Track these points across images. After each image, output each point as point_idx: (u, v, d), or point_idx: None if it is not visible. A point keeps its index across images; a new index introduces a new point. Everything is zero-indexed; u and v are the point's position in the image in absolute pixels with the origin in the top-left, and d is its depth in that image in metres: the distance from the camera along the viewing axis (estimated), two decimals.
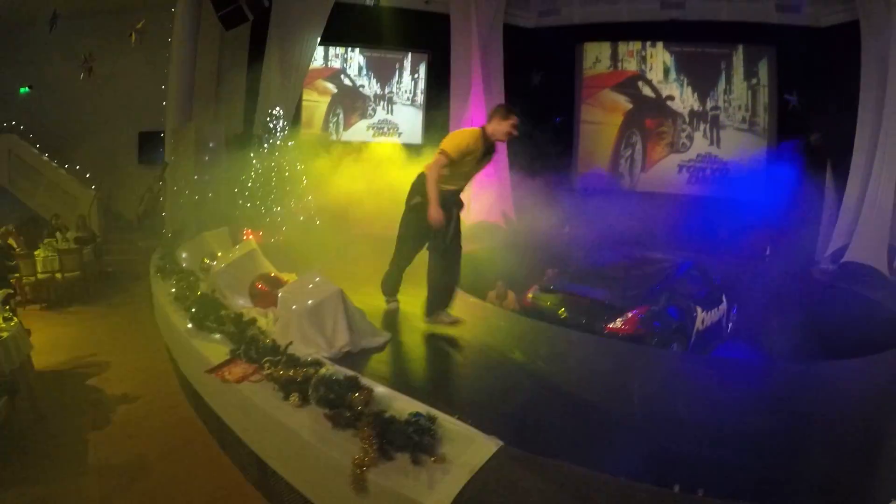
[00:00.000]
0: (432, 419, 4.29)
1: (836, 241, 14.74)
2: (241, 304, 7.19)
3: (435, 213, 6.65)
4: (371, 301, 8.08)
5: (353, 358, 5.97)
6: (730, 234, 16.20)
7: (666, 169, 17.67)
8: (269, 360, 5.16)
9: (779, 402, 6.33)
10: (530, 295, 10.03)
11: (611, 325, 8.82)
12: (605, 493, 3.89)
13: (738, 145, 17.33)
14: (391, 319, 7.56)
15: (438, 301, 7.41)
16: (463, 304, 8.91)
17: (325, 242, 10.31)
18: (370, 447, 4.01)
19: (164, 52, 13.20)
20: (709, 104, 17.40)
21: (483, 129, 6.81)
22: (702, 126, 17.45)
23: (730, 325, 11.30)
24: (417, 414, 4.30)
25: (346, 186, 11.34)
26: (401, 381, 5.58)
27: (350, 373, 4.90)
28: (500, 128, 6.73)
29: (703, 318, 9.81)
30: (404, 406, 4.57)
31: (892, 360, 8.54)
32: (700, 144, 17.48)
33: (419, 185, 6.94)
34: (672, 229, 15.34)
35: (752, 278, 13.05)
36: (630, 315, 8.85)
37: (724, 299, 10.87)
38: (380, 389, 4.79)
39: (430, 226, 6.75)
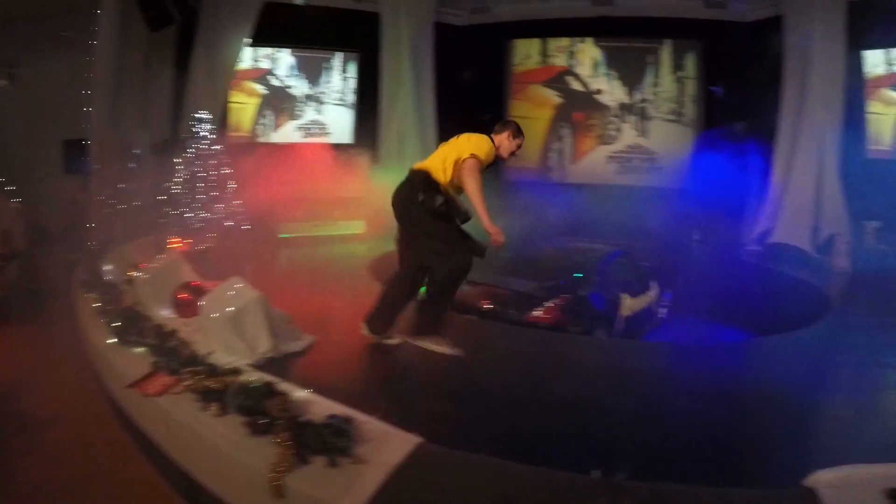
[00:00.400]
0: (348, 420, 4.33)
1: (761, 223, 15.42)
2: (166, 315, 7.14)
3: (493, 227, 6.06)
4: (296, 306, 8.08)
5: (277, 363, 5.98)
6: (660, 222, 16.59)
7: (595, 160, 17.96)
8: (190, 371, 5.14)
9: (703, 382, 6.61)
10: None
11: (531, 315, 8.90)
12: (524, 483, 3.99)
13: (666, 136, 17.76)
14: (316, 322, 7.55)
15: (434, 324, 6.69)
16: None
17: (254, 247, 10.22)
18: (286, 452, 4.05)
19: (88, 57, 12.90)
20: (637, 97, 17.75)
21: (491, 139, 6.36)
22: (630, 118, 17.81)
23: (662, 310, 11.50)
24: (333, 416, 4.34)
25: (275, 189, 11.25)
26: (323, 383, 5.53)
27: (269, 378, 4.91)
28: (508, 144, 6.41)
29: (630, 304, 9.91)
30: (323, 409, 4.60)
31: (817, 333, 9.15)
32: (628, 136, 17.81)
33: (422, 182, 6.22)
34: (603, 219, 15.59)
35: (683, 263, 13.37)
36: (550, 304, 8.95)
37: (654, 286, 11.06)
38: (299, 393, 4.81)
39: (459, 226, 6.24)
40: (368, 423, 4.54)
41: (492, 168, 15.88)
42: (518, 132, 6.47)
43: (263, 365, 5.80)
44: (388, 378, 6.24)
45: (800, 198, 14.45)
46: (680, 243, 15.87)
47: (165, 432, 5.11)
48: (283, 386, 4.81)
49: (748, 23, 16.43)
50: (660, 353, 8.16)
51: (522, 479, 4.02)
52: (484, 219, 6.04)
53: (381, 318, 6.72)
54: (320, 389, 5.22)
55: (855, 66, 14.63)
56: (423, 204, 6.10)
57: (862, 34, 13.92)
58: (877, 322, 9.66)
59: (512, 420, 5.31)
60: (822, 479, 4.13)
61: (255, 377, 4.99)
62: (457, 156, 6.16)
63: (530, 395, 5.92)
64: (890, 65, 14.67)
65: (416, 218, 6.25)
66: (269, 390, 4.57)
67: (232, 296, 6.21)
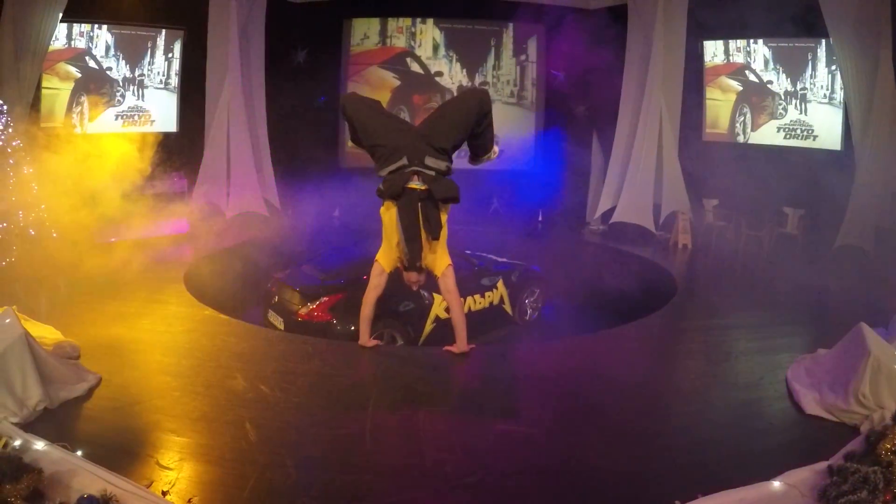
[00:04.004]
0: (106, 501, 3.83)
1: (603, 203, 15.88)
2: None
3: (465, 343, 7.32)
4: (101, 328, 7.53)
5: (52, 417, 5.32)
6: (504, 205, 16.76)
7: None
8: None
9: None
10: (270, 285, 10.04)
11: (301, 312, 8.89)
12: None
13: (507, 118, 17.74)
14: (111, 352, 6.93)
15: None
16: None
17: (62, 258, 9.38)
18: None
19: None
20: (477, 79, 17.65)
21: None
22: None
23: (529, 310, 11.50)
24: (82, 500, 3.80)
25: (88, 188, 10.34)
26: (105, 438, 5.05)
27: (23, 443, 4.28)
28: None
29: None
30: (87, 483, 4.07)
31: (660, 320, 9.48)
32: None
33: None
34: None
35: (536, 253, 13.41)
36: (321, 301, 8.91)
37: (499, 285, 10.89)
38: (64, 463, 4.25)
39: None
40: (139, 497, 4.08)
41: (330, 157, 15.58)
42: None
43: (34, 422, 5.15)
44: (178, 423, 5.56)
45: (641, 178, 14.93)
46: (526, 225, 16.04)
47: None
48: (44, 454, 4.26)
49: (592, 10, 16.64)
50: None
51: None
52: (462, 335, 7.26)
53: None
54: (98, 446, 4.76)
55: (695, 55, 15.30)
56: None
57: (702, 25, 14.41)
58: (718, 301, 10.29)
59: None
60: None
61: (15, 443, 4.34)
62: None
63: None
64: (728, 55, 15.33)
65: None
66: (16, 467, 3.95)
67: None
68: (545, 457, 5.20)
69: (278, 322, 9.31)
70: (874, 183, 11.97)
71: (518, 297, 11.24)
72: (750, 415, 6.03)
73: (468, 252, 11.72)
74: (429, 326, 9.60)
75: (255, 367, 6.86)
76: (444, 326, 9.41)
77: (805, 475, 4.40)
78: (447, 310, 9.33)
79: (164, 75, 14.55)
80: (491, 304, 10.72)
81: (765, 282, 11.27)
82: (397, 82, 17.50)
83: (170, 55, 14.60)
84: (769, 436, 5.59)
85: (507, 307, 11.02)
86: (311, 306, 8.90)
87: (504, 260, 11.77)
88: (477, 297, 10.46)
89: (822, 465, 4.42)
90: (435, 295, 9.59)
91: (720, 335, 8.50)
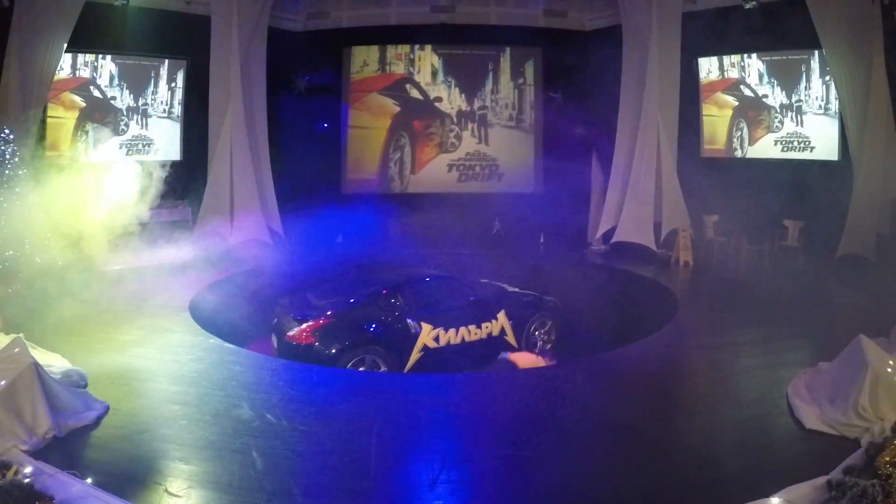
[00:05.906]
0: None
1: (604, 223, 16.02)
2: None
3: None
4: (108, 357, 7.61)
5: (60, 445, 5.37)
6: (506, 228, 16.81)
7: (436, 169, 17.88)
8: None
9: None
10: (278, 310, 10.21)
11: (289, 333, 9.08)
12: None
13: (506, 141, 18.01)
14: (119, 380, 7.02)
15: None
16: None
17: (67, 286, 9.47)
18: None
19: None
20: (476, 104, 17.86)
21: None
22: (470, 125, 17.88)
23: (539, 342, 11.11)
24: None
25: (93, 217, 10.45)
26: (113, 466, 5.11)
27: (33, 470, 4.35)
28: None
29: (437, 334, 9.84)
30: None
31: (662, 339, 9.50)
32: (468, 143, 17.90)
33: None
34: (447, 228, 15.65)
35: (538, 275, 13.41)
36: (305, 325, 9.05)
37: (500, 315, 10.57)
38: (74, 490, 4.34)
39: None
40: None
41: (333, 183, 15.65)
42: None
43: (44, 450, 5.20)
44: (180, 459, 5.55)
45: (640, 197, 15.03)
46: (527, 247, 16.12)
47: None
48: (54, 481, 4.34)
49: (588, 31, 17.02)
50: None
51: None
52: None
53: None
54: (107, 474, 4.83)
55: (690, 72, 15.42)
56: None
57: (696, 42, 14.60)
58: (721, 318, 10.34)
59: None
60: None
61: (25, 471, 4.42)
62: None
63: None
64: (722, 70, 15.46)
65: None
66: (27, 494, 4.03)
67: (4, 366, 5.45)
68: (548, 479, 5.24)
69: (274, 342, 9.57)
70: (873, 190, 12.09)
71: (524, 329, 10.87)
72: (752, 432, 6.06)
73: (485, 280, 11.70)
74: (415, 355, 9.62)
75: (262, 396, 6.93)
76: (432, 355, 9.67)
77: (805, 491, 4.44)
78: (436, 339, 9.76)
79: (167, 104, 14.82)
80: (489, 335, 10.45)
81: (767, 296, 11.25)
82: (397, 108, 17.69)
83: (173, 84, 14.89)
84: (771, 452, 5.61)
85: (511, 339, 10.67)
86: (298, 328, 9.05)
87: (516, 289, 11.57)
88: (472, 328, 10.24)
89: (822, 479, 4.47)
90: (423, 325, 9.69)
91: (722, 352, 8.52)
